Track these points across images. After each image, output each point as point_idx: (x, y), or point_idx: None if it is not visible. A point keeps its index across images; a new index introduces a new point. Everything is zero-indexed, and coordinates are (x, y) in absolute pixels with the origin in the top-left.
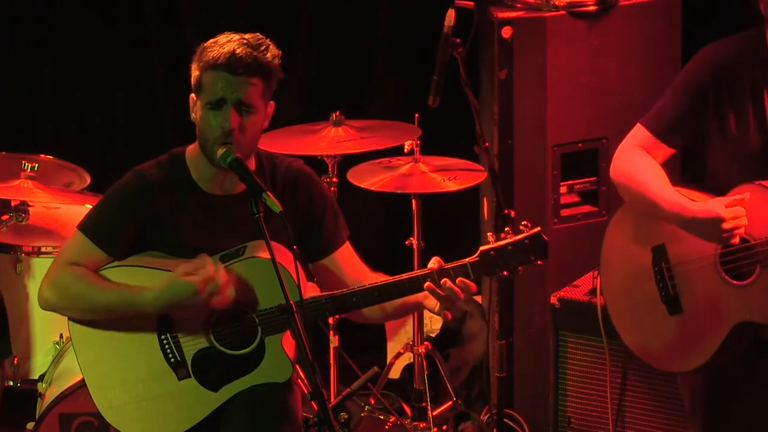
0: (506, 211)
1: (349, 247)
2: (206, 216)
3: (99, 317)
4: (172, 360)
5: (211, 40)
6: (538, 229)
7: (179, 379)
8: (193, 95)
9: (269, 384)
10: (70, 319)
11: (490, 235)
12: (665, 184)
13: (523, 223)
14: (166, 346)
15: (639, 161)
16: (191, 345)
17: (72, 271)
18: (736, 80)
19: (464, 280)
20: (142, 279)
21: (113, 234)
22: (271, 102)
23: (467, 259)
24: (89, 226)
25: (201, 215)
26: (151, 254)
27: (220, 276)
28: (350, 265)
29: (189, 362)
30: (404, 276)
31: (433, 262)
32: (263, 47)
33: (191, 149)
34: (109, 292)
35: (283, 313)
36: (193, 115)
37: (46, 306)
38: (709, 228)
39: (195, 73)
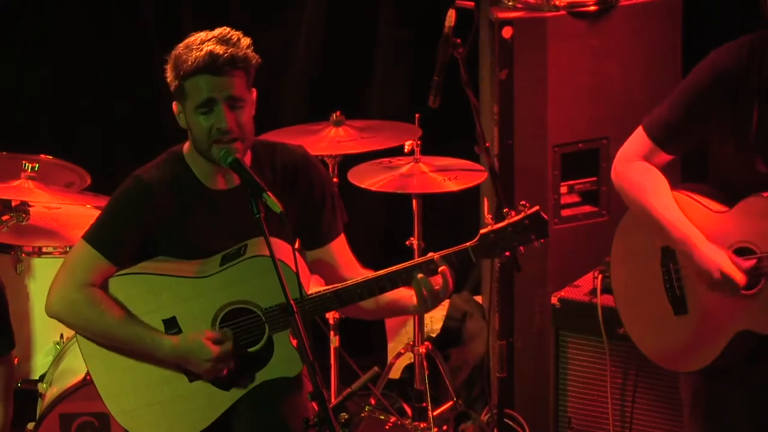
0: (506, 211)
1: (344, 239)
2: (211, 213)
3: (107, 344)
4: None
5: (182, 46)
6: (537, 208)
7: (190, 380)
8: (175, 104)
9: (279, 379)
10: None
11: (489, 218)
12: (673, 206)
13: (521, 203)
14: None
15: (644, 173)
16: None
17: (87, 294)
18: (743, 85)
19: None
20: (155, 287)
21: (118, 242)
22: (253, 89)
23: (468, 243)
24: (94, 236)
25: (206, 212)
26: (161, 259)
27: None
28: (344, 259)
29: None
30: (407, 264)
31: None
32: (235, 39)
33: (188, 146)
34: (125, 327)
35: (283, 313)
36: (181, 123)
37: (54, 317)
38: (720, 283)
39: (174, 81)
